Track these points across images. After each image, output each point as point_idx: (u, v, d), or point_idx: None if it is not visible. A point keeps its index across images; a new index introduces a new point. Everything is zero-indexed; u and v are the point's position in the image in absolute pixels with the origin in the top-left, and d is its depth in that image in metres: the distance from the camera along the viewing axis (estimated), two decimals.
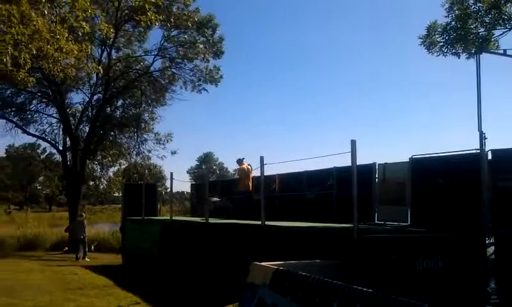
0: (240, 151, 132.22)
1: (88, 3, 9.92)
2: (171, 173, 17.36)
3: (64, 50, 9.77)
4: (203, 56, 26.14)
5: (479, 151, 8.82)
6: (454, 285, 7.15)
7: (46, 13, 9.55)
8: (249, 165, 16.32)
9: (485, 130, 8.93)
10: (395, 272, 6.72)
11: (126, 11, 24.52)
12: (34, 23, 9.19)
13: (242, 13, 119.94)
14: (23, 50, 9.53)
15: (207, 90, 27.46)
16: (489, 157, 8.69)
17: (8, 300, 11.03)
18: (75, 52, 9.98)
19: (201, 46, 25.94)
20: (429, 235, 8.15)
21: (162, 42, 26.79)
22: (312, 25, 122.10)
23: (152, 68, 27.74)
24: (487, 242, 8.35)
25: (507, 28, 16.21)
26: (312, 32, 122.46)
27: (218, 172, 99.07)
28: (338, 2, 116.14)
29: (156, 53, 27.11)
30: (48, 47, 9.63)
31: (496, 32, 16.58)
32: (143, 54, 28.20)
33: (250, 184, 16.11)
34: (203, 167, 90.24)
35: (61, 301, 11.23)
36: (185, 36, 26.55)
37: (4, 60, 9.36)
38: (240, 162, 16.48)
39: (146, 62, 28.11)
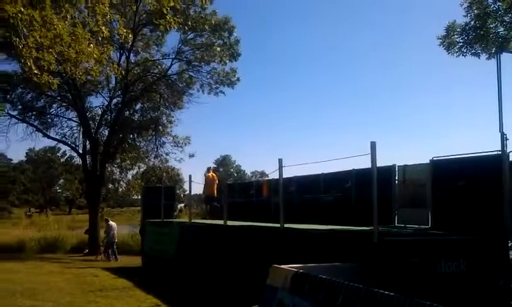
0: (257, 153, 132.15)
1: (107, 8, 10.01)
2: (190, 176, 17.48)
3: (85, 52, 9.87)
4: (220, 59, 26.25)
5: (500, 152, 8.69)
6: (477, 288, 7.05)
7: (69, 18, 9.67)
8: (214, 173, 19.26)
9: (506, 131, 8.79)
10: (416, 276, 6.65)
11: (143, 16, 24.75)
12: (55, 27, 9.31)
13: (258, 14, 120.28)
14: (46, 52, 9.66)
15: (223, 93, 27.63)
16: (511, 158, 8.57)
17: (30, 302, 11.20)
18: (97, 53, 10.09)
19: (218, 48, 26.03)
20: (450, 237, 8.06)
21: (179, 45, 27.00)
22: (326, 22, 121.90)
23: (169, 72, 27.98)
24: (509, 244, 8.23)
25: None
26: (329, 30, 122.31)
27: (235, 175, 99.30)
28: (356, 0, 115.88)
29: (174, 56, 27.34)
30: (70, 50, 9.75)
31: None
32: (161, 58, 28.45)
33: (215, 190, 18.47)
34: (221, 170, 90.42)
35: (82, 303, 11.38)
36: (202, 39, 26.67)
37: (28, 64, 9.50)
38: (208, 170, 19.29)
39: (164, 65, 28.37)
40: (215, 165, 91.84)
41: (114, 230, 23.51)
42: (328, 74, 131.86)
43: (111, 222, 23.99)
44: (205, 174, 19.15)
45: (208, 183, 18.54)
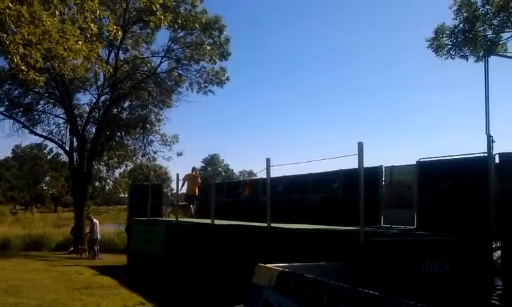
0: (246, 152, 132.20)
1: (96, 4, 9.93)
2: (177, 174, 17.47)
3: (73, 49, 9.79)
4: (209, 58, 26.18)
5: (486, 154, 8.76)
6: (461, 289, 7.11)
7: (57, 13, 9.59)
8: (196, 172, 19.62)
9: (493, 133, 8.86)
10: (401, 276, 6.69)
11: (133, 13, 24.62)
12: (44, 23, 9.22)
13: (248, 13, 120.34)
14: (33, 49, 9.57)
15: (213, 92, 27.59)
16: (497, 160, 8.64)
17: (14, 299, 11.10)
18: (85, 50, 10.00)
19: (208, 47, 25.96)
20: (435, 238, 8.11)
21: (169, 43, 26.89)
22: (317, 24, 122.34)
23: (158, 70, 27.86)
24: (494, 246, 8.30)
25: None
26: (318, 31, 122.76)
27: (224, 174, 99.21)
28: (344, 2, 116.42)
29: (163, 54, 27.20)
30: (58, 47, 9.67)
31: (505, 35, 16.54)
32: (150, 56, 28.33)
33: (196, 189, 18.99)
34: (209, 169, 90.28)
35: (66, 300, 11.29)
36: (192, 38, 26.60)
37: (15, 60, 9.41)
38: (192, 170, 19.45)
39: (153, 63, 28.26)
40: (203, 165, 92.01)
41: (97, 228, 23.30)
42: (318, 74, 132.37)
43: (94, 220, 23.84)
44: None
45: (188, 181, 18.81)
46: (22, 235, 27.00)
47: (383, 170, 11.84)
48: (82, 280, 14.79)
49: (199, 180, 19.47)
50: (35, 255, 22.81)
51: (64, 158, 31.09)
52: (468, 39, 16.53)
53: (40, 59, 9.80)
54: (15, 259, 20.19)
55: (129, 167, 32.65)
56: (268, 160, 10.71)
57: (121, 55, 27.56)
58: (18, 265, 18.16)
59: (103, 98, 27.92)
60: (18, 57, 9.57)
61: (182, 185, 18.68)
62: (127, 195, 27.12)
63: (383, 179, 11.84)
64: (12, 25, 9.22)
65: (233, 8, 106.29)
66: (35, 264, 19.08)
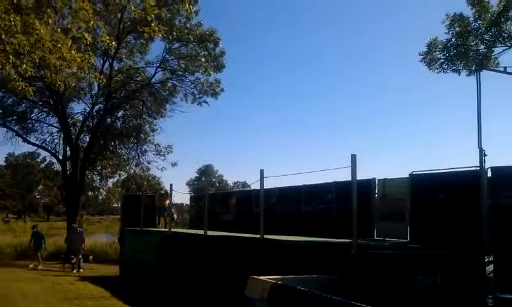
0: (240, 163, 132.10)
1: (90, 15, 9.89)
2: (171, 185, 17.45)
3: (66, 59, 9.73)
4: (204, 69, 26.23)
5: (478, 168, 8.81)
6: (453, 303, 7.11)
7: (50, 22, 9.55)
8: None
9: (485, 147, 8.93)
10: (394, 289, 6.69)
11: (128, 23, 24.66)
12: (38, 32, 9.18)
13: (245, 23, 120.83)
14: (25, 58, 9.53)
15: (207, 103, 27.62)
16: (489, 174, 8.69)
17: None
18: (78, 60, 9.94)
19: (202, 59, 26.02)
20: (428, 251, 8.13)
21: (163, 54, 26.93)
22: (312, 32, 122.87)
23: (153, 80, 27.88)
24: (486, 260, 8.32)
25: (507, 46, 16.31)
26: (313, 41, 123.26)
27: (218, 184, 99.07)
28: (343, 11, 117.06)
29: (158, 65, 27.24)
30: (51, 56, 9.61)
31: (496, 50, 16.67)
32: (145, 66, 28.35)
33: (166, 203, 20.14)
34: (203, 179, 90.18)
35: None
36: (187, 49, 26.69)
37: (4, 71, 9.35)
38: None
39: (148, 73, 28.26)
40: (197, 175, 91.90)
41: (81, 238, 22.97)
42: (313, 86, 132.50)
43: (79, 230, 23.54)
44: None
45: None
46: (13, 244, 26.77)
47: (376, 183, 11.84)
48: (74, 290, 14.64)
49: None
50: (27, 264, 22.61)
51: (57, 167, 31.04)
52: (460, 53, 16.66)
53: (31, 69, 9.74)
54: (6, 269, 20.03)
55: (122, 177, 32.58)
56: (262, 172, 10.72)
57: (116, 65, 27.61)
58: (9, 274, 18.01)
59: (97, 107, 27.98)
60: (8, 67, 9.50)
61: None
62: (120, 205, 27.01)
63: (376, 192, 11.84)
64: (3, 36, 9.16)
65: (229, 18, 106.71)
66: (26, 273, 18.92)
